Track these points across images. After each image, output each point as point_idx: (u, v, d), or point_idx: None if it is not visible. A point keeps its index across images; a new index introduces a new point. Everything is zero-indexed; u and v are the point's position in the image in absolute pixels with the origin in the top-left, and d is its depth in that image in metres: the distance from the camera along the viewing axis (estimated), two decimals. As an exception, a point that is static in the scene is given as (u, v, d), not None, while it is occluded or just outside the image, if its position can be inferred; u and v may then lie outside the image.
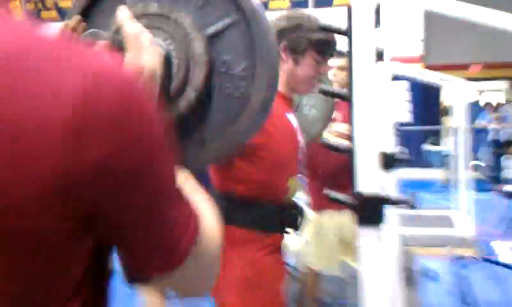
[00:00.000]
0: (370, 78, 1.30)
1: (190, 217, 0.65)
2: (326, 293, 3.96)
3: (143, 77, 0.82)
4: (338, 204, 1.38)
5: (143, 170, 0.58)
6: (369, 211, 1.31)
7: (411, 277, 4.28)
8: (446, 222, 6.10)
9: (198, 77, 0.97)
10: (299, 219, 1.80)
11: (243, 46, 1.01)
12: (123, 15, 0.86)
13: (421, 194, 8.63)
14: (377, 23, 1.25)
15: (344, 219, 2.94)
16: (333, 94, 1.49)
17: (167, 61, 0.94)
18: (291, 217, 1.77)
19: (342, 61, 2.88)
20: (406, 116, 10.51)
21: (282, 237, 1.80)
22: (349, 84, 1.31)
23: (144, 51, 0.83)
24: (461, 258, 4.24)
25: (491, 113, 10.50)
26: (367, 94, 1.30)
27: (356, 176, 1.31)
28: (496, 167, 9.54)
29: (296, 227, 1.82)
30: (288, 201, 1.77)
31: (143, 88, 0.60)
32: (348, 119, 2.96)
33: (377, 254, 1.31)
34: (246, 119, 1.00)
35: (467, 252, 4.79)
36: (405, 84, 10.14)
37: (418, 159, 10.78)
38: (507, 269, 4.30)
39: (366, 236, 1.31)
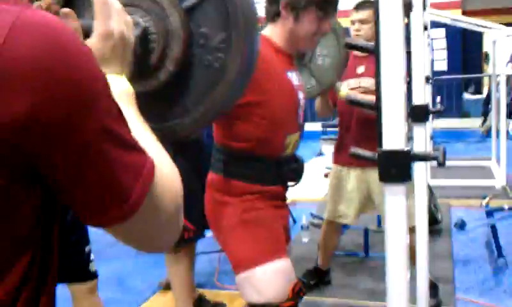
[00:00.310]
0: (398, 30, 1.25)
1: (142, 165, 0.64)
2: (349, 245, 4.00)
3: (112, 41, 0.83)
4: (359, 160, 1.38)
5: (76, 117, 0.56)
6: (395, 167, 1.28)
7: (443, 228, 4.27)
8: (483, 172, 6.03)
9: (176, 50, 1.01)
10: (299, 172, 1.83)
11: (220, 17, 1.03)
12: None
13: (459, 144, 8.50)
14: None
15: (365, 172, 2.94)
16: (358, 48, 1.45)
17: (145, 36, 0.99)
18: (290, 171, 1.80)
19: (364, 14, 2.83)
20: (444, 64, 10.24)
21: (284, 189, 1.83)
22: (376, 37, 1.27)
23: (113, 17, 0.84)
24: (497, 209, 4.17)
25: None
26: (394, 46, 1.26)
27: (382, 132, 1.28)
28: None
29: (295, 180, 1.84)
30: (287, 156, 1.79)
31: (75, 37, 0.59)
32: (372, 73, 2.94)
33: (403, 211, 1.29)
34: (224, 89, 1.04)
35: (504, 203, 4.72)
36: (443, 32, 9.83)
37: (458, 109, 10.56)
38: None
39: (392, 192, 1.29)
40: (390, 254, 1.33)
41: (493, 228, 3.75)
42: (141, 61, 0.98)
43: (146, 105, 0.98)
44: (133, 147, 0.63)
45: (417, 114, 2.25)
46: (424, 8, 2.21)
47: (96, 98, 0.59)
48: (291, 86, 1.76)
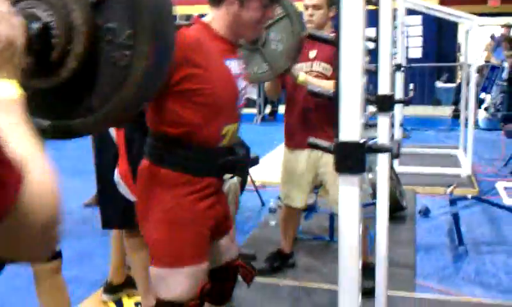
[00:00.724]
0: (358, 24, 1.27)
1: (6, 176, 0.62)
2: (315, 229, 4.06)
3: None
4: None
5: None
6: (351, 158, 1.31)
7: (408, 215, 4.35)
8: (450, 161, 6.13)
9: (78, 46, 0.98)
10: (236, 165, 1.80)
11: (127, 12, 1.01)
12: None
13: (429, 132, 8.63)
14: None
15: (314, 154, 2.99)
16: (320, 40, 1.46)
17: (46, 31, 0.96)
18: (227, 163, 1.77)
19: (317, 0, 2.85)
20: (418, 51, 10.32)
21: (218, 180, 1.81)
22: (337, 30, 1.28)
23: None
24: (461, 198, 4.26)
25: (506, 50, 10.20)
26: (355, 41, 1.27)
27: (338, 123, 1.30)
28: (510, 106, 9.32)
29: (231, 172, 1.84)
30: (224, 147, 1.76)
31: None
32: (323, 57, 2.95)
33: (356, 200, 1.32)
34: (130, 88, 1.02)
35: (468, 192, 4.82)
36: (419, 19, 9.90)
37: (430, 96, 10.68)
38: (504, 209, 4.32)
39: (347, 183, 1.32)
40: (342, 242, 1.37)
41: (455, 216, 3.83)
42: (42, 57, 0.96)
43: (50, 101, 0.99)
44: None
45: (382, 104, 2.28)
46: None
47: None
48: (229, 75, 1.73)
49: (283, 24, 2.45)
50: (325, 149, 1.36)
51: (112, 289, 3.08)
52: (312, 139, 1.37)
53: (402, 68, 5.02)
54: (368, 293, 2.53)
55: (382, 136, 2.31)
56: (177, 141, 1.69)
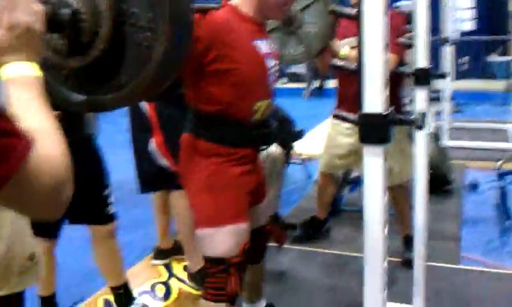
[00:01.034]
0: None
1: (13, 147, 0.70)
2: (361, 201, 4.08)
3: (17, 31, 0.87)
4: None
5: None
6: (374, 130, 1.35)
7: (456, 189, 4.31)
8: (501, 135, 5.98)
9: (104, 29, 1.09)
10: (269, 137, 1.93)
11: None
12: None
13: (482, 106, 8.40)
14: None
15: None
16: (343, 16, 1.49)
17: (76, 16, 1.07)
18: (260, 136, 1.90)
19: None
20: (469, 24, 9.99)
21: (253, 152, 1.93)
22: (358, 4, 1.32)
23: (19, 8, 0.88)
24: (510, 172, 4.17)
25: None
26: (376, 13, 1.30)
27: (362, 96, 1.35)
28: None
29: (265, 144, 1.96)
30: (257, 121, 1.86)
31: None
32: None
33: (380, 171, 1.37)
34: (152, 67, 1.12)
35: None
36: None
37: (483, 70, 10.35)
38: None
39: (371, 153, 1.37)
40: (367, 211, 1.42)
41: (503, 190, 3.78)
42: (74, 39, 1.08)
43: (85, 79, 1.12)
44: (3, 133, 0.70)
45: (419, 77, 2.29)
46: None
47: None
48: (258, 55, 1.81)
49: (317, 6, 2.49)
50: (350, 121, 1.41)
51: (161, 253, 3.25)
52: (337, 112, 1.42)
53: (449, 42, 4.92)
54: (409, 263, 2.57)
55: (420, 109, 2.31)
56: (213, 117, 1.81)
